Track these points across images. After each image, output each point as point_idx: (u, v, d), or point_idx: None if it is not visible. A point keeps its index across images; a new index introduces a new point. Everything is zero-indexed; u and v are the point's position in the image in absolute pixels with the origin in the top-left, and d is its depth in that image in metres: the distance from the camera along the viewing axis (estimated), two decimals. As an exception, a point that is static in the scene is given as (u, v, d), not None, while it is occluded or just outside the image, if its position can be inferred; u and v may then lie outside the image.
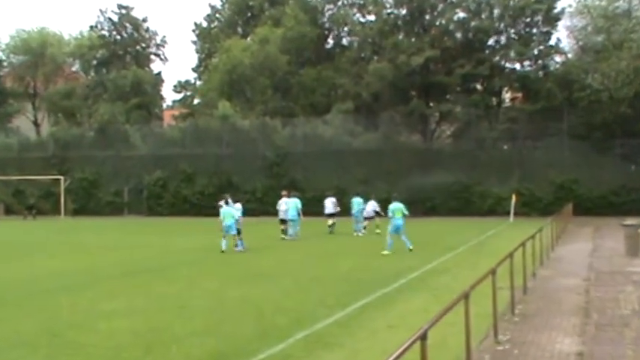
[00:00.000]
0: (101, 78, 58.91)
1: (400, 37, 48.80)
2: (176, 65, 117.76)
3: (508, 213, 37.85)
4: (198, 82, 62.56)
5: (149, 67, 62.59)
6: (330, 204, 29.83)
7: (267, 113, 51.13)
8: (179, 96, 61.01)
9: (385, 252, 20.52)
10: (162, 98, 63.62)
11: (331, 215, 29.46)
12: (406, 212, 21.18)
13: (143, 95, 56.64)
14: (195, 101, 59.53)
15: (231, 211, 22.29)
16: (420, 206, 43.79)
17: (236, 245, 22.12)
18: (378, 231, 28.08)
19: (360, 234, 28.50)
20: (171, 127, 53.97)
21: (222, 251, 21.40)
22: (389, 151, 45.74)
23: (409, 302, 12.22)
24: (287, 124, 49.14)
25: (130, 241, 26.92)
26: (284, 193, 28.30)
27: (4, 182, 50.71)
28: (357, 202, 29.64)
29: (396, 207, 20.97)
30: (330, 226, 29.03)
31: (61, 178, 48.94)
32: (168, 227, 36.70)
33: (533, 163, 43.50)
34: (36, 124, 63.40)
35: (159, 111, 63.10)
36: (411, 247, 20.94)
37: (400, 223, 20.79)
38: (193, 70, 64.92)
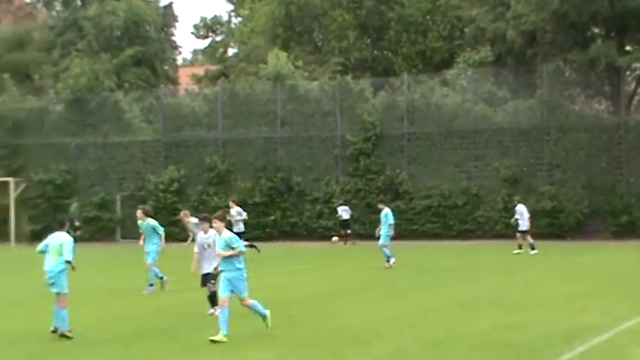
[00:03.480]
0: (74, 15, 60.98)
1: None
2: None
3: None
4: (235, 21, 64.01)
5: (152, -3, 64.87)
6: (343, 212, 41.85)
7: (349, 70, 51.98)
8: (203, 43, 62.62)
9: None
10: (175, 48, 65.37)
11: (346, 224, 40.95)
12: None
13: (143, 44, 58.30)
14: (231, 51, 60.95)
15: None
16: (610, 220, 43.32)
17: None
18: (517, 251, 32.11)
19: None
20: (191, 96, 55.42)
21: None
22: (554, 128, 45.69)
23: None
24: (381, 86, 49.78)
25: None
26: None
27: None
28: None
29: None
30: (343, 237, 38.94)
31: (10, 180, 51.32)
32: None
33: None
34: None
35: (171, 69, 64.84)
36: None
37: None
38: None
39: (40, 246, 16.42)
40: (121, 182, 51.72)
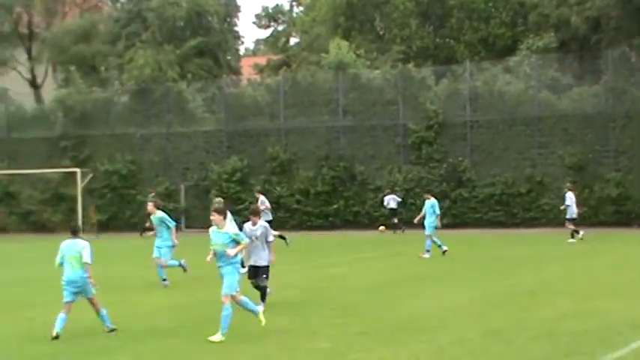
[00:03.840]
0: (138, 7, 61.71)
1: None
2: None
3: None
4: (296, 10, 64.15)
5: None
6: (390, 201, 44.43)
7: (411, 58, 51.74)
8: (265, 33, 63.18)
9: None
10: (237, 38, 65.63)
11: (394, 212, 43.90)
12: None
13: (206, 34, 58.59)
14: (293, 41, 61.38)
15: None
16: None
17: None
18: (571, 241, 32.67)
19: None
20: (253, 86, 55.69)
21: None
22: (620, 114, 45.09)
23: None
24: (443, 74, 49.53)
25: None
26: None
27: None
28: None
29: None
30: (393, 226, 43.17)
31: (77, 171, 51.87)
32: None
33: None
34: (34, 84, 67.35)
35: (233, 59, 65.19)
36: None
37: None
38: (289, -11, 67.22)
39: (58, 258, 15.33)
40: (184, 172, 52.09)
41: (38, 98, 63.72)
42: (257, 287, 17.86)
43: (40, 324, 16.65)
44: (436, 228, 30.23)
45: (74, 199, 51.06)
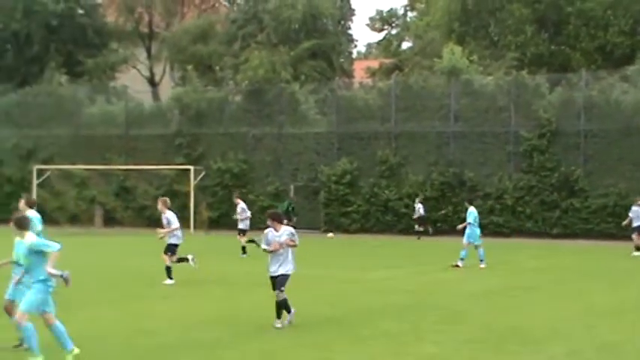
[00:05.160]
0: (254, 8, 62.34)
1: None
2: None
3: None
4: (410, 14, 63.99)
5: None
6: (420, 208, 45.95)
7: (525, 65, 50.97)
8: (379, 36, 63.08)
9: None
10: (351, 41, 65.86)
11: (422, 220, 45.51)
12: None
13: (320, 36, 58.90)
14: (405, 45, 61.36)
15: None
16: None
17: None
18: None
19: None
20: (365, 89, 55.68)
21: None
22: None
23: None
24: (558, 82, 48.67)
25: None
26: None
27: (104, 175, 55.95)
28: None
29: None
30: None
31: (191, 168, 52.78)
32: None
33: None
34: (152, 82, 68.77)
35: (346, 62, 65.46)
36: None
37: None
38: (403, -8, 67.17)
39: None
40: (294, 173, 52.33)
41: (156, 96, 65.06)
42: (279, 303, 15.82)
43: (148, 317, 16.87)
44: (472, 238, 29.34)
45: (187, 196, 51.86)
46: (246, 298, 20.49)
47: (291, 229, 16.07)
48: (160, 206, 23.66)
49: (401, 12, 73.53)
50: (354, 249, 39.07)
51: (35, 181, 54.04)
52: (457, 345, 14.17)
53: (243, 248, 33.09)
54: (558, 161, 46.37)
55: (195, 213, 51.28)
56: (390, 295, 20.55)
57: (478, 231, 29.55)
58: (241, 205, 34.32)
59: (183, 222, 51.15)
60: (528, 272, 27.96)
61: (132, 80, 64.43)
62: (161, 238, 23.70)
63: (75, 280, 12.94)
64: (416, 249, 33.84)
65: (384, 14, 72.38)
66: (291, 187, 52.04)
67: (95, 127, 56.55)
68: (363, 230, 49.01)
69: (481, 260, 28.94)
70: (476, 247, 29.29)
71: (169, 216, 23.39)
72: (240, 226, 33.73)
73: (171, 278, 22.97)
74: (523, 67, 51.68)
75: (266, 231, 16.03)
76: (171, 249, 23.43)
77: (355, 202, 49.80)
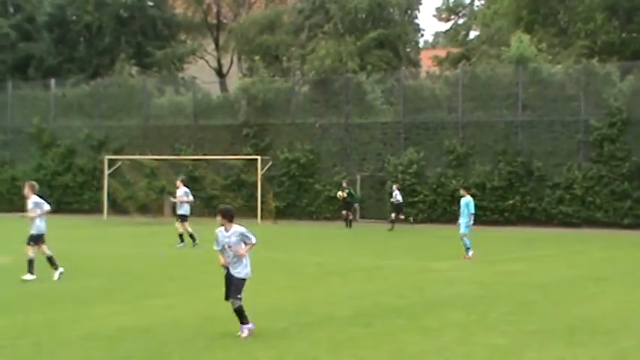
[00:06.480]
0: (322, -1, 62.26)
1: None
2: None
3: None
4: (477, 3, 63.55)
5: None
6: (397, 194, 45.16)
7: (595, 53, 50.27)
8: (445, 26, 62.86)
9: None
10: (418, 30, 65.63)
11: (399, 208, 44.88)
12: None
13: (387, 26, 58.77)
14: (473, 34, 60.70)
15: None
16: None
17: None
18: None
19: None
20: (432, 78, 55.46)
21: None
22: None
23: None
24: (629, 70, 47.88)
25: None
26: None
27: (173, 165, 56.30)
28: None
29: None
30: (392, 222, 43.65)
31: (258, 158, 52.87)
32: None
33: None
34: (220, 73, 69.26)
35: (413, 52, 65.25)
36: None
37: None
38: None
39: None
40: (361, 163, 52.32)
41: (223, 87, 65.50)
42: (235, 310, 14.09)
43: (220, 304, 17.01)
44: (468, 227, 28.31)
45: (254, 186, 52.22)
46: (316, 287, 20.63)
47: (242, 229, 14.19)
48: (26, 190, 22.24)
49: (468, 1, 73.20)
50: (421, 239, 38.97)
51: (106, 171, 54.90)
52: (526, 336, 14.07)
53: (181, 236, 31.75)
54: (629, 151, 45.63)
55: (262, 203, 51.59)
56: (457, 286, 20.52)
57: (466, 220, 28.35)
58: (183, 189, 33.05)
59: (251, 212, 51.99)
60: (599, 263, 27.69)
61: (200, 71, 65.03)
62: (23, 217, 22.79)
63: (151, 268, 13.14)
64: (483, 239, 33.52)
65: (451, 4, 72.03)
66: (358, 177, 52.07)
67: (164, 117, 57.29)
68: (429, 220, 48.79)
69: (467, 249, 28.02)
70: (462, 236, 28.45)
71: (36, 200, 21.85)
72: (180, 211, 32.34)
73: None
74: (593, 55, 51.00)
75: (216, 230, 14.36)
76: None
77: (422, 192, 49.63)
